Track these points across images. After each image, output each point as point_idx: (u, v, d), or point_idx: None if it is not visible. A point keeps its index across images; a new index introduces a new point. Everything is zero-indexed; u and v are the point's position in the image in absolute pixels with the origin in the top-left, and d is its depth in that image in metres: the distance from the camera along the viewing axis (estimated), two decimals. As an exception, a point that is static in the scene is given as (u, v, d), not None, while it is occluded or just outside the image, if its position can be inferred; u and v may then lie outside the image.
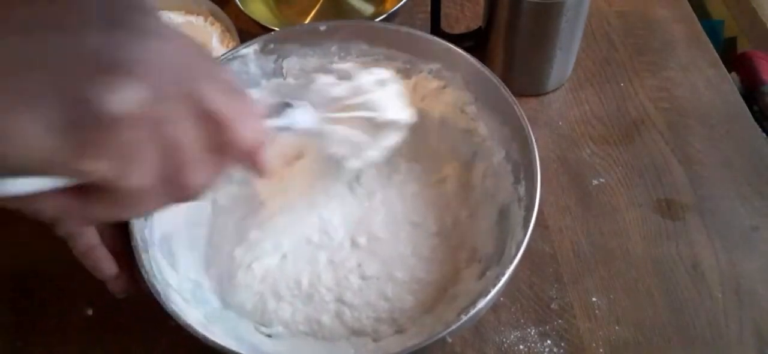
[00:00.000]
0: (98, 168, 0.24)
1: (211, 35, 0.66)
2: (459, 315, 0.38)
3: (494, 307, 0.52)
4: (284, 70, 0.55)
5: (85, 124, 0.23)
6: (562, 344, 0.50)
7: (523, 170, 0.47)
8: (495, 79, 0.49)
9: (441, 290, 0.49)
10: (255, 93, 0.55)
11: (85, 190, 0.26)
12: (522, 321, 0.51)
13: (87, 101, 0.23)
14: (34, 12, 0.24)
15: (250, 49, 0.53)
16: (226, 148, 0.29)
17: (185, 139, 0.27)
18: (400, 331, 0.47)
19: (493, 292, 0.39)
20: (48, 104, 0.22)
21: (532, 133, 0.45)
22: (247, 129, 0.29)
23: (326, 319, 0.48)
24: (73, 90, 0.23)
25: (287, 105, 0.40)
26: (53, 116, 0.22)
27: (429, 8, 0.65)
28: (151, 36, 0.25)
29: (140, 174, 0.25)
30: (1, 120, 0.22)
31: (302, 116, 0.41)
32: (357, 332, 0.47)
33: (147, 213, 0.28)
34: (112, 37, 0.24)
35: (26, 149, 0.22)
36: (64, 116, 0.23)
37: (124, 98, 0.23)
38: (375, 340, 0.47)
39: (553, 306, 0.52)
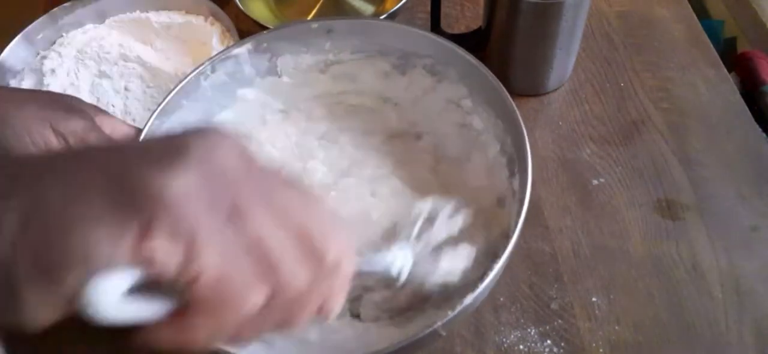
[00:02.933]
0: (158, 247, 0.23)
1: (211, 35, 0.66)
2: (448, 310, 0.38)
3: (494, 306, 0.52)
4: (278, 69, 0.55)
5: (135, 202, 0.23)
6: (562, 344, 0.50)
7: (517, 164, 0.47)
8: (488, 73, 0.49)
9: None
10: (250, 92, 0.55)
11: (187, 309, 0.25)
12: (522, 321, 0.51)
13: (136, 183, 0.23)
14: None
15: (243, 48, 0.53)
16: (319, 263, 0.26)
17: (266, 235, 0.25)
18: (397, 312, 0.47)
19: (482, 286, 0.39)
20: (101, 193, 0.23)
21: (524, 126, 0.45)
22: (335, 243, 0.27)
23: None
24: (126, 178, 0.23)
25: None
26: (106, 200, 0.23)
27: (429, 8, 0.65)
28: (209, 147, 0.25)
29: (212, 255, 0.24)
30: (64, 215, 0.22)
31: (401, 260, 0.38)
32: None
33: (251, 335, 0.26)
34: (167, 142, 0.25)
35: (82, 239, 0.22)
36: (115, 198, 0.23)
37: (178, 178, 0.23)
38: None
39: (553, 306, 0.52)
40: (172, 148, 0.24)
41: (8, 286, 0.23)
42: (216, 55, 0.52)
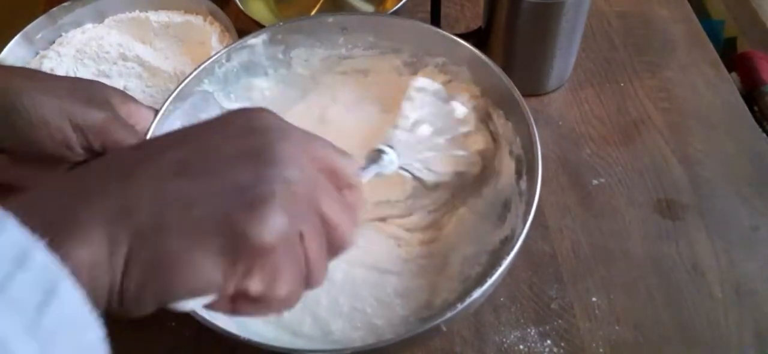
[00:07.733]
0: (251, 285, 0.29)
1: (210, 35, 0.66)
2: (452, 305, 0.38)
3: (494, 307, 0.52)
4: (291, 61, 0.56)
5: (243, 253, 0.28)
6: (562, 344, 0.50)
7: (525, 165, 0.47)
8: (500, 74, 0.49)
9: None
10: (263, 82, 0.56)
11: (239, 296, 0.30)
12: (522, 321, 0.51)
13: (244, 235, 0.27)
14: (183, 157, 0.29)
15: (258, 40, 0.54)
16: (333, 248, 0.33)
17: (313, 248, 0.31)
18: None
19: (486, 285, 0.39)
20: (216, 241, 0.27)
21: (535, 129, 0.46)
22: (348, 232, 0.33)
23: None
24: (232, 226, 0.28)
25: (380, 152, 0.45)
26: (220, 249, 0.27)
27: (429, 8, 0.65)
28: (282, 163, 0.29)
29: (284, 284, 0.30)
30: (189, 259, 0.27)
31: (390, 162, 0.45)
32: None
33: (288, 309, 0.32)
34: (254, 173, 0.29)
35: (202, 280, 0.27)
36: (228, 248, 0.27)
37: (272, 229, 0.28)
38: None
39: (553, 306, 0.52)
40: (264, 193, 0.28)
41: (117, 301, 0.28)
42: (232, 44, 0.53)
